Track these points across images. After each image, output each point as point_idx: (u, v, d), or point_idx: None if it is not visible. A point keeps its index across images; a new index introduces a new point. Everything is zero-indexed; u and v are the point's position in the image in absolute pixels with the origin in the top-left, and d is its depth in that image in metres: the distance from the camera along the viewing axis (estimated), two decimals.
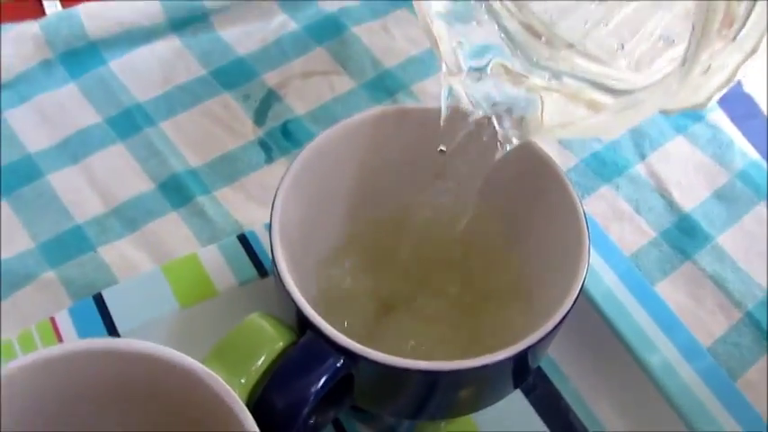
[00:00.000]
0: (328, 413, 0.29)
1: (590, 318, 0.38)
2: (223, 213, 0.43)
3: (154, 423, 0.27)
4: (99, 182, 0.44)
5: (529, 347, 0.26)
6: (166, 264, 0.39)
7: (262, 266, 0.38)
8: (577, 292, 0.27)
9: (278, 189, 0.29)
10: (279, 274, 0.27)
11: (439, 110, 0.28)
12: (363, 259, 0.30)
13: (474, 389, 0.28)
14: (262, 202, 0.43)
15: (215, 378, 0.25)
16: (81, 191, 0.43)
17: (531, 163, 0.31)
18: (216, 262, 0.38)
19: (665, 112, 0.28)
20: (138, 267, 0.41)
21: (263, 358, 0.27)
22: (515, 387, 0.31)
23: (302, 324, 0.27)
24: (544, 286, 0.30)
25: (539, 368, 0.38)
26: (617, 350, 0.37)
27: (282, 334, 0.27)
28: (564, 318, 0.27)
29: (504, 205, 0.31)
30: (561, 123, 0.26)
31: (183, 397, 0.26)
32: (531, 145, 0.30)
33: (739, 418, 0.35)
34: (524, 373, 0.30)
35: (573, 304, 0.27)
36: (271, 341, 0.27)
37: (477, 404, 0.30)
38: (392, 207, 0.32)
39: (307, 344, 0.26)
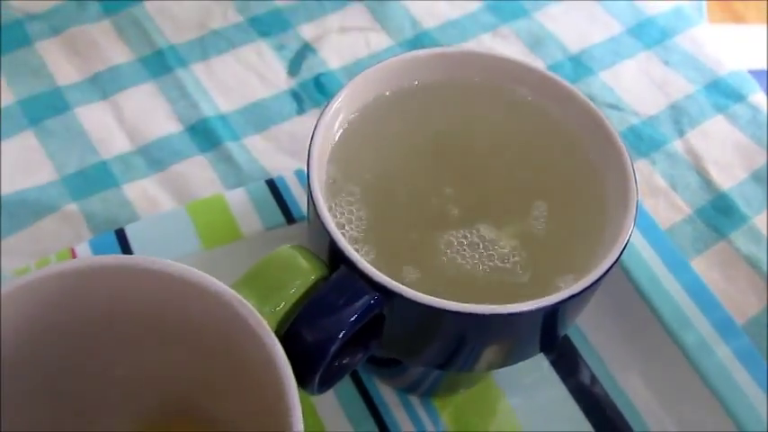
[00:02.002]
0: (356, 355, 0.27)
1: (624, 291, 0.36)
2: (251, 160, 0.41)
3: (177, 348, 0.26)
4: (127, 120, 0.42)
5: (570, 297, 0.24)
6: (191, 203, 0.37)
7: (290, 213, 0.36)
8: (620, 250, 0.25)
9: (318, 120, 0.27)
10: (314, 204, 0.25)
11: None
12: (400, 199, 0.28)
13: (504, 338, 0.26)
14: (291, 152, 0.41)
15: (245, 304, 0.23)
16: (108, 127, 0.42)
17: (581, 118, 0.29)
18: (242, 205, 0.36)
19: None
20: (161, 207, 0.39)
21: (293, 290, 0.24)
22: (543, 348, 0.29)
23: (336, 259, 0.25)
24: (586, 242, 0.27)
25: (567, 339, 0.36)
26: (651, 325, 0.35)
27: (315, 267, 0.25)
28: (604, 275, 0.25)
29: (549, 159, 0.29)
30: None
31: (210, 322, 0.24)
32: (583, 103, 0.28)
33: None
34: (554, 331, 0.28)
35: (616, 260, 0.25)
36: (303, 273, 0.25)
37: (502, 359, 0.28)
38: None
39: (341, 278, 0.24)
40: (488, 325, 0.24)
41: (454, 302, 0.23)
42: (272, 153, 0.41)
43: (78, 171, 0.40)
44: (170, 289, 0.23)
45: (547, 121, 0.29)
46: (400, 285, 0.24)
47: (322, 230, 0.25)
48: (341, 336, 0.24)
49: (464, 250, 0.26)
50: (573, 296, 0.24)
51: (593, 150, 0.29)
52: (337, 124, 0.28)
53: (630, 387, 0.35)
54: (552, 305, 0.24)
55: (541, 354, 0.36)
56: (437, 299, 0.24)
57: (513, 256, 0.26)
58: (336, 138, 0.28)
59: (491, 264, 0.26)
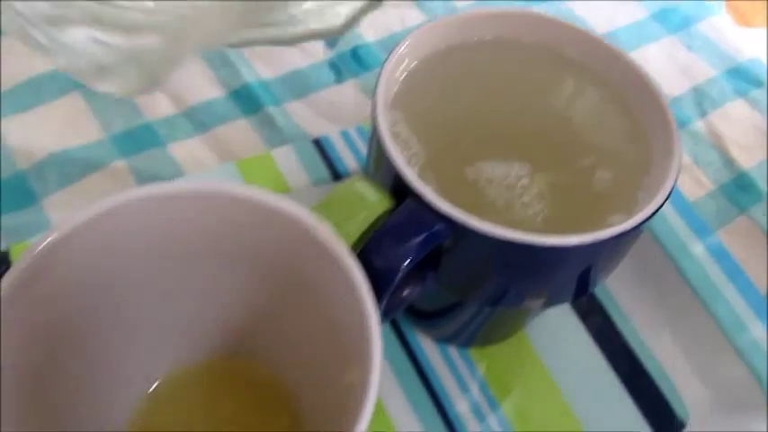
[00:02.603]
0: (413, 288, 0.28)
1: (653, 255, 0.37)
2: (292, 125, 0.42)
3: (250, 272, 0.27)
4: (170, 86, 0.43)
5: (633, 228, 0.25)
6: (240, 160, 0.38)
7: (336, 170, 0.37)
8: (669, 190, 0.26)
9: (390, 54, 0.28)
10: (379, 137, 0.26)
11: None
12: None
13: (558, 273, 0.27)
14: (331, 118, 0.42)
15: (324, 228, 0.24)
16: (152, 94, 0.43)
17: (627, 77, 0.30)
18: (290, 162, 0.38)
19: None
20: (207, 166, 0.40)
21: (362, 219, 0.26)
22: (577, 295, 0.30)
23: (401, 192, 0.26)
24: (632, 188, 0.29)
25: (597, 300, 0.37)
26: (679, 289, 0.37)
27: (382, 198, 0.26)
28: (651, 215, 0.26)
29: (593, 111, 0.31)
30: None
31: (288, 248, 0.25)
32: (629, 62, 0.30)
33: None
34: (605, 269, 0.29)
35: (666, 198, 0.26)
36: (371, 204, 0.26)
37: (549, 296, 0.29)
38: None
39: (409, 208, 0.25)
40: (550, 256, 0.25)
41: (519, 233, 0.25)
42: (312, 118, 0.42)
43: (125, 131, 0.41)
44: (249, 214, 0.24)
45: (594, 79, 0.31)
46: (467, 216, 0.25)
47: (388, 165, 0.26)
48: (408, 262, 0.25)
49: (518, 194, 0.27)
50: (636, 227, 0.25)
51: (638, 106, 0.30)
52: (399, 72, 0.29)
53: (659, 348, 0.36)
54: (619, 234, 0.25)
55: (573, 312, 0.37)
56: (502, 229, 0.25)
57: (565, 200, 0.27)
58: (398, 85, 0.29)
59: (542, 205, 0.27)
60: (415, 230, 0.25)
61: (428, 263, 0.27)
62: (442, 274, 0.28)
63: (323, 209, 0.25)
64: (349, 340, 0.24)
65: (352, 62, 0.45)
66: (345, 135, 0.38)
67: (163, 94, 0.42)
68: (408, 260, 0.25)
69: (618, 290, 0.37)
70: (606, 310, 0.37)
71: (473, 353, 0.35)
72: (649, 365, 0.35)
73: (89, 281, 0.25)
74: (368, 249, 0.25)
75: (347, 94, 0.44)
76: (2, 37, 0.43)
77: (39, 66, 0.42)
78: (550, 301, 0.30)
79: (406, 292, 0.27)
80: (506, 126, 0.29)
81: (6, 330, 0.22)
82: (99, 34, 0.22)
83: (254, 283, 0.27)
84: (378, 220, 0.26)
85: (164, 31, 0.22)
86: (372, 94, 0.27)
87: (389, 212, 0.26)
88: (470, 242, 0.25)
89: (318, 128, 0.42)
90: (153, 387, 0.29)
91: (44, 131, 0.40)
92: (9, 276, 0.22)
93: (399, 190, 0.26)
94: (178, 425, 0.29)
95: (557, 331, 0.36)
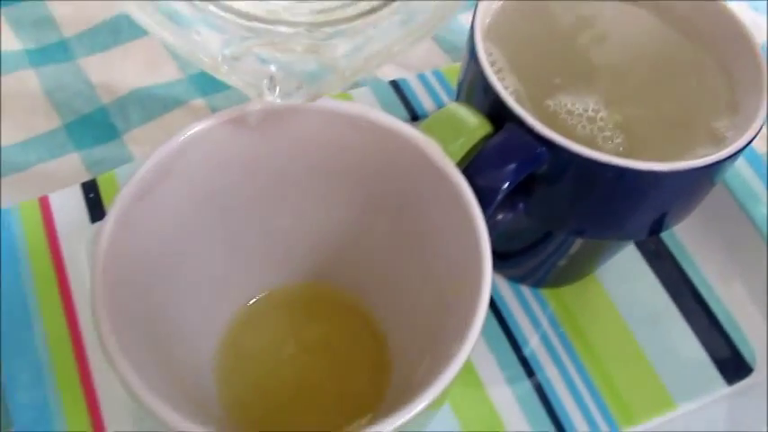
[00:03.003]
0: (506, 215, 0.28)
1: (725, 204, 0.38)
2: None
3: (356, 193, 0.27)
4: None
5: (734, 153, 0.26)
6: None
7: (413, 111, 0.38)
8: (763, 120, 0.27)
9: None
10: (480, 64, 0.27)
11: None
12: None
13: (645, 200, 0.27)
14: (403, 65, 0.43)
15: (433, 145, 0.24)
16: None
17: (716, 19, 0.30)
18: (368, 102, 0.38)
19: None
20: None
21: (462, 143, 0.26)
22: (654, 231, 0.30)
23: (499, 118, 0.26)
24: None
25: (666, 246, 0.38)
26: (752, 239, 0.37)
27: (483, 123, 0.26)
28: (743, 148, 0.26)
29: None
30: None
31: (394, 165, 0.25)
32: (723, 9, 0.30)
33: None
34: (696, 198, 0.29)
35: (755, 134, 0.26)
36: (472, 128, 0.26)
37: (640, 226, 0.29)
38: None
39: (510, 132, 0.26)
40: (643, 182, 0.26)
41: (618, 158, 0.25)
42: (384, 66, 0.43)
43: (202, 72, 0.41)
44: (360, 132, 0.25)
45: (680, 20, 0.31)
46: (568, 140, 0.25)
47: (487, 92, 0.26)
48: (508, 183, 0.25)
49: (599, 126, 0.28)
50: (728, 158, 0.25)
51: (726, 48, 0.30)
52: (494, 3, 0.30)
53: (728, 296, 0.37)
54: (712, 164, 0.25)
55: (642, 259, 0.37)
56: (601, 153, 0.25)
57: (646, 135, 0.28)
58: (491, 16, 0.30)
59: (622, 138, 0.27)
60: (517, 153, 0.26)
61: (520, 191, 0.28)
62: (533, 203, 0.28)
63: (425, 132, 0.26)
64: (454, 262, 0.24)
65: None
66: (422, 78, 0.39)
67: None
68: (509, 181, 0.25)
69: (688, 239, 0.38)
70: (676, 257, 0.37)
71: (544, 292, 0.36)
72: (718, 312, 0.36)
73: (200, 192, 0.25)
74: (470, 170, 0.25)
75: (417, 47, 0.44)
76: None
77: (117, 7, 0.43)
78: (630, 234, 0.30)
79: (500, 217, 0.28)
80: (589, 62, 0.30)
81: (125, 236, 0.23)
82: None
83: (358, 205, 0.27)
84: (476, 144, 0.27)
85: None
86: (470, 24, 0.28)
87: (488, 137, 0.27)
88: (567, 167, 0.26)
89: (390, 73, 0.42)
90: (248, 304, 0.30)
91: (124, 70, 0.41)
92: (128, 185, 0.23)
93: (497, 116, 0.27)
94: (267, 343, 0.30)
95: (626, 275, 0.37)
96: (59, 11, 0.43)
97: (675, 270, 0.37)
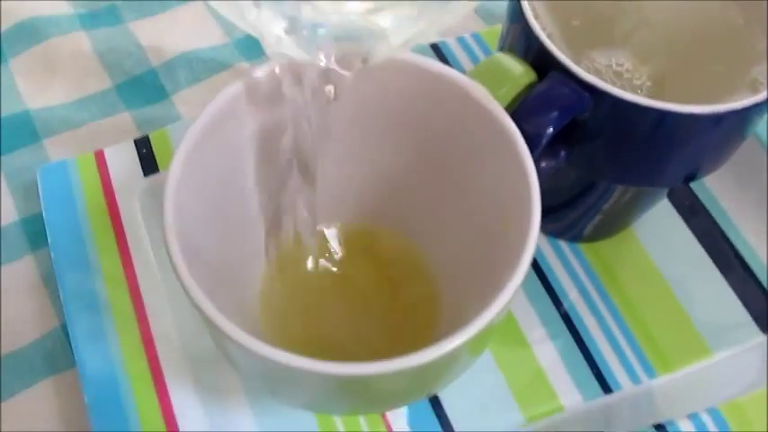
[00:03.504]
0: (549, 162, 0.29)
1: (757, 164, 0.38)
2: None
3: (412, 140, 0.28)
4: None
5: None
6: None
7: None
8: None
9: None
10: (524, 14, 0.27)
11: None
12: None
13: (684, 144, 0.28)
14: (440, 31, 0.44)
15: (484, 92, 0.25)
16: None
17: None
18: None
19: None
20: None
21: (507, 90, 0.27)
22: (689, 178, 0.31)
23: (542, 67, 0.27)
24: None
25: (703, 206, 0.38)
26: None
27: (527, 71, 0.27)
28: None
29: None
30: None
31: (445, 106, 0.26)
32: None
33: None
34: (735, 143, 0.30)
35: None
36: (517, 76, 0.27)
37: (683, 172, 0.30)
38: None
39: (555, 78, 0.27)
40: (684, 126, 0.27)
41: (659, 101, 0.26)
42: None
43: (248, 36, 0.43)
44: (417, 81, 0.26)
45: None
46: (611, 86, 0.26)
47: (531, 41, 0.27)
48: (552, 129, 0.26)
49: (628, 79, 0.28)
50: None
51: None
52: None
53: (760, 247, 0.37)
54: (751, 107, 0.26)
55: (677, 214, 0.38)
56: (644, 98, 0.26)
57: (679, 88, 0.28)
58: None
59: (655, 92, 0.28)
60: (561, 99, 0.26)
61: (562, 140, 0.28)
62: (575, 151, 0.29)
63: (472, 79, 0.27)
64: (503, 200, 0.25)
65: None
66: (461, 40, 0.40)
67: None
68: (553, 127, 0.26)
69: (721, 194, 0.38)
70: (709, 211, 0.38)
71: (582, 247, 0.37)
72: (752, 263, 0.36)
73: (260, 133, 0.26)
74: (516, 116, 0.26)
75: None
76: None
77: None
78: (666, 180, 0.31)
79: (543, 164, 0.29)
80: (625, 20, 0.30)
81: (192, 174, 0.24)
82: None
83: (408, 149, 0.28)
84: (521, 92, 0.27)
85: None
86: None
87: (532, 86, 0.28)
88: (609, 112, 0.27)
89: (430, 38, 0.43)
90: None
91: (173, 34, 0.42)
92: (196, 123, 0.24)
93: (540, 66, 0.27)
94: (316, 278, 0.31)
95: (662, 230, 0.37)
96: None
97: (710, 223, 0.37)
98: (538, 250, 0.36)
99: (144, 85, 0.40)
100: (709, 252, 0.37)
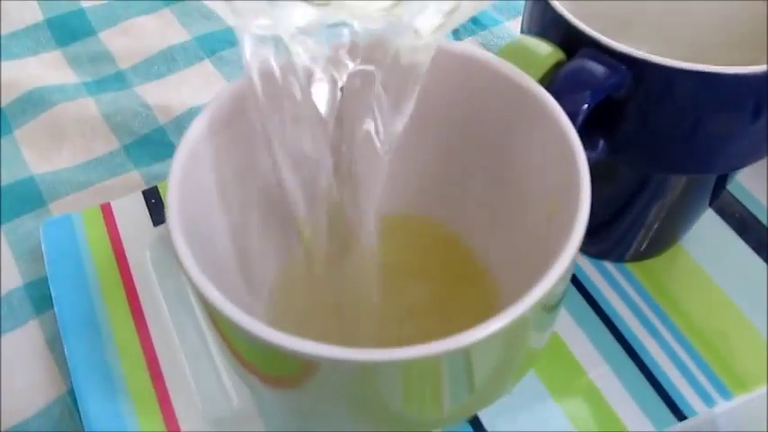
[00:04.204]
0: (588, 154, 0.27)
1: None
2: None
3: (455, 127, 0.26)
4: None
5: None
6: None
7: None
8: None
9: None
10: (550, 3, 0.26)
11: None
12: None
13: (739, 110, 0.25)
14: None
15: (519, 72, 0.23)
16: None
17: None
18: None
19: None
20: None
21: (536, 71, 0.25)
22: (741, 162, 0.28)
23: (570, 47, 0.25)
24: None
25: (755, 218, 0.35)
26: None
27: (555, 50, 0.25)
28: None
29: None
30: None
31: (491, 98, 0.24)
32: None
33: None
34: None
35: None
36: (545, 56, 0.25)
37: (742, 152, 0.27)
38: None
39: (587, 53, 0.25)
40: (736, 88, 0.24)
41: (705, 65, 0.24)
42: None
43: None
44: (458, 67, 0.24)
45: None
46: (647, 54, 0.24)
47: (556, 21, 0.25)
48: (588, 104, 0.24)
49: None
50: None
51: None
52: None
53: None
54: None
55: (728, 227, 0.35)
56: (686, 63, 0.24)
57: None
58: None
59: None
60: (596, 72, 0.24)
61: (599, 128, 0.26)
62: (615, 138, 0.27)
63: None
64: (550, 183, 0.23)
65: (469, 23, 0.45)
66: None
67: None
68: (587, 103, 0.24)
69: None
70: (764, 223, 0.35)
71: (630, 267, 0.34)
72: None
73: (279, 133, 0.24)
74: (549, 93, 0.24)
75: None
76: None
77: (171, 37, 0.44)
78: (721, 163, 0.27)
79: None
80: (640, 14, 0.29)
81: (197, 166, 0.22)
82: None
83: (452, 138, 0.26)
84: (548, 72, 0.25)
85: None
86: None
87: (561, 65, 0.25)
88: (649, 85, 0.24)
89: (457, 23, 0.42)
90: None
91: (180, 92, 0.41)
92: (199, 119, 0.22)
93: (568, 45, 0.25)
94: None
95: (714, 244, 0.34)
96: (115, 45, 0.43)
97: (765, 234, 0.34)
98: (583, 273, 0.33)
99: (152, 144, 0.39)
100: None
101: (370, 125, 0.22)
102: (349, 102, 0.23)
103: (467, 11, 0.22)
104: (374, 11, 0.21)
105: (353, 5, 0.21)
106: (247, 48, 0.21)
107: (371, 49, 0.22)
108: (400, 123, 0.22)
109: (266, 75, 0.21)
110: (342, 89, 0.22)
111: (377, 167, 0.23)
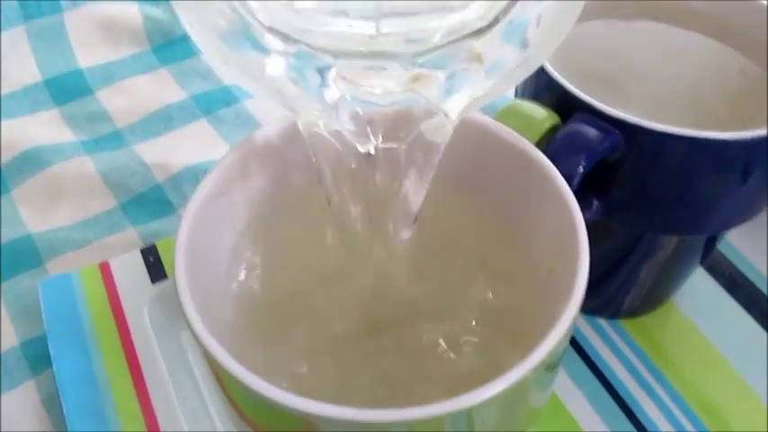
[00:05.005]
0: (583, 215, 0.27)
1: None
2: None
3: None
4: None
5: None
6: None
7: None
8: None
9: None
10: (546, 70, 0.27)
11: None
12: None
13: (730, 173, 0.26)
14: None
15: (517, 135, 0.24)
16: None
17: None
18: None
19: None
20: None
21: (529, 135, 0.25)
22: (733, 221, 0.28)
23: (564, 111, 0.26)
24: None
25: (743, 275, 0.36)
26: None
27: (550, 114, 0.26)
28: None
29: None
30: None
31: (488, 154, 0.25)
32: None
33: None
34: None
35: None
36: (540, 120, 0.26)
37: (732, 213, 0.28)
38: None
39: (581, 118, 0.25)
40: (727, 153, 0.25)
41: (696, 130, 0.24)
42: None
43: None
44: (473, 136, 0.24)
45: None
46: (640, 119, 0.25)
47: (551, 86, 0.26)
48: (584, 167, 0.25)
49: None
50: None
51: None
52: None
53: None
54: None
55: (718, 284, 0.36)
56: (678, 128, 0.25)
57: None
58: None
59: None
60: (590, 136, 0.25)
61: (594, 189, 0.27)
62: (609, 199, 0.27)
63: None
64: (550, 243, 0.23)
65: None
66: None
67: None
68: (583, 166, 0.25)
69: (761, 263, 0.36)
70: (751, 280, 0.36)
71: (624, 324, 0.34)
72: None
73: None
74: (547, 156, 0.25)
75: None
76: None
77: (168, 96, 0.44)
78: (715, 223, 0.28)
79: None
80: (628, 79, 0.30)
81: (204, 228, 0.22)
82: None
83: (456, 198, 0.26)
84: (544, 136, 0.26)
85: None
86: None
87: (556, 129, 0.26)
88: (641, 148, 0.25)
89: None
90: None
91: (177, 151, 0.42)
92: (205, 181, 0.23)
93: (562, 109, 0.26)
94: None
95: (705, 302, 0.35)
96: (112, 104, 0.44)
97: (755, 292, 0.35)
98: (577, 330, 0.34)
99: (149, 202, 0.39)
100: (760, 321, 0.34)
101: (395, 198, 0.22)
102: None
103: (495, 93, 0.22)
104: (394, 86, 0.21)
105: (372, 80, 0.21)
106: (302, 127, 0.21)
107: (396, 125, 0.21)
108: (422, 191, 0.22)
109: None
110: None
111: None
